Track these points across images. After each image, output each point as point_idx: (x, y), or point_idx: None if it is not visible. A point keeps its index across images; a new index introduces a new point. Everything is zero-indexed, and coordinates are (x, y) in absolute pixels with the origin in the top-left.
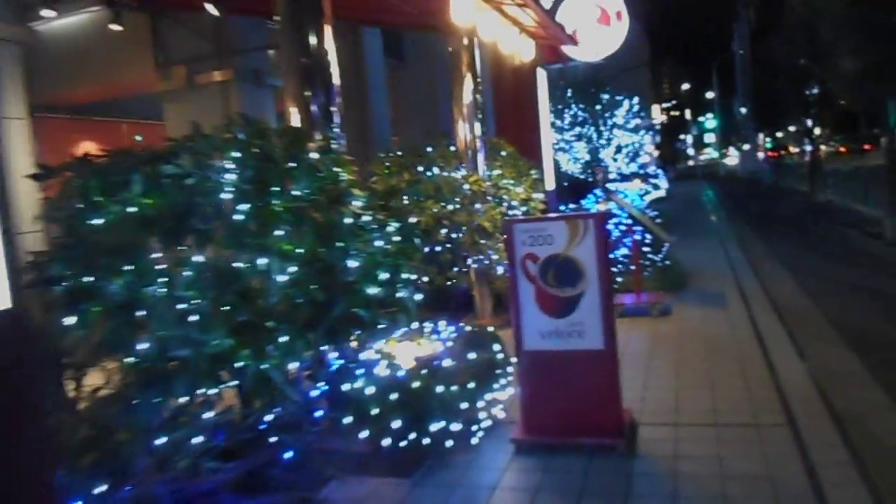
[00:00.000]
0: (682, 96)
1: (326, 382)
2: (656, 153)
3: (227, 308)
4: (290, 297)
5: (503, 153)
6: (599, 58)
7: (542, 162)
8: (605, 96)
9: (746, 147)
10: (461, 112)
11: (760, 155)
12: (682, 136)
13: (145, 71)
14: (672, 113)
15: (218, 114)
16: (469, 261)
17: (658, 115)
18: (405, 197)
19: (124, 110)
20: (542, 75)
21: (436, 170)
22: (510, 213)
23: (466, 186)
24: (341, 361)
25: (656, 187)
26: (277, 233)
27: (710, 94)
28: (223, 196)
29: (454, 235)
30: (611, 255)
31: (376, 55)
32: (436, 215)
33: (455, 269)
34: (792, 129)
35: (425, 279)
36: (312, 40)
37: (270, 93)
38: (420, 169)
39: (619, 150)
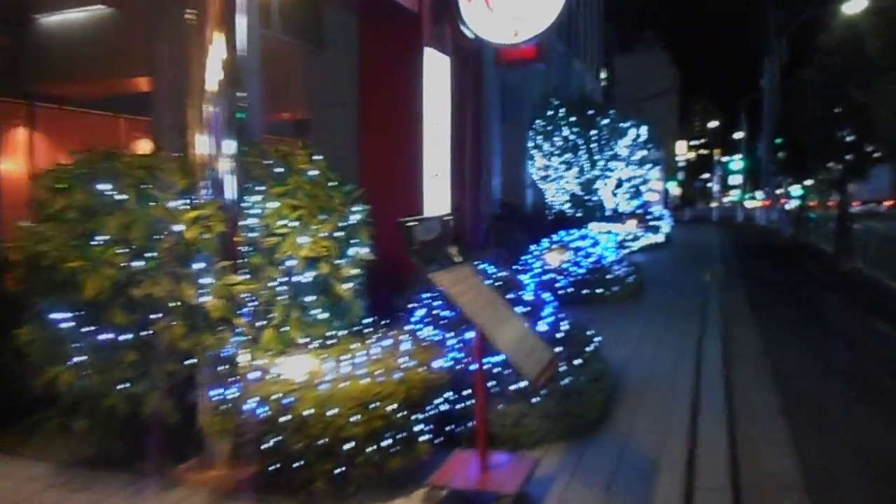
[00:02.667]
0: (710, 135)
1: None
2: (677, 191)
3: None
4: None
5: (305, 175)
6: (521, 39)
7: (419, 192)
8: (605, 121)
9: (761, 193)
10: (196, 104)
11: (787, 204)
12: (705, 176)
13: None
14: (701, 151)
15: None
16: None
17: (683, 152)
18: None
19: None
20: (437, 63)
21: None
22: (289, 279)
23: (180, 227)
24: None
25: (655, 231)
26: None
27: (738, 135)
28: None
29: (155, 317)
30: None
31: (251, 31)
32: (117, 277)
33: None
34: (821, 177)
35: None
36: None
37: None
38: (103, 189)
39: (619, 184)
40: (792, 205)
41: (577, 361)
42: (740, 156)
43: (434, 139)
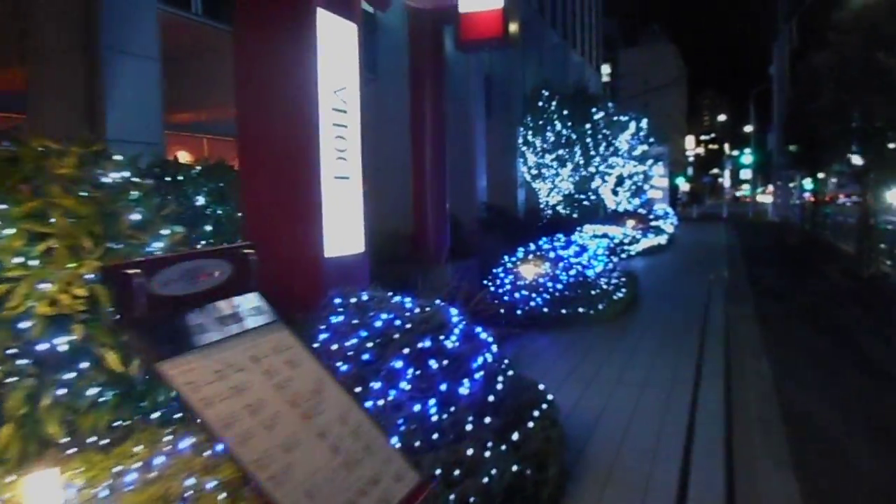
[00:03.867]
0: (719, 129)
1: None
2: (686, 187)
3: None
4: None
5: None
6: None
7: (313, 201)
8: (601, 114)
9: (772, 187)
10: None
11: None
12: (714, 171)
13: None
14: (710, 146)
15: None
16: None
17: (692, 147)
18: None
19: None
20: (338, 32)
21: None
22: (35, 347)
23: None
24: None
25: (656, 232)
26: None
27: (748, 128)
28: None
29: None
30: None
31: (140, 7)
32: None
33: None
34: (839, 168)
35: None
36: None
37: None
38: None
39: (620, 181)
40: (804, 199)
41: (514, 437)
42: (750, 150)
43: (337, 130)
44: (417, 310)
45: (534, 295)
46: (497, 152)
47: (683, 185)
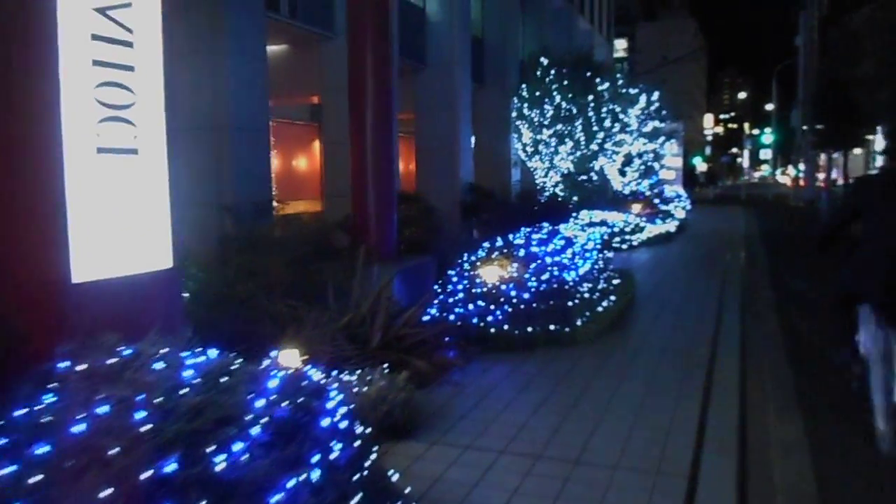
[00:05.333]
0: (739, 107)
1: None
2: (704, 167)
3: None
4: None
5: None
6: None
7: (52, 184)
8: (605, 84)
9: (802, 167)
10: None
11: (820, 177)
12: (733, 151)
13: None
14: (729, 125)
15: None
16: None
17: (711, 126)
18: None
19: None
20: None
21: None
22: None
23: None
24: None
25: (665, 217)
26: None
27: (769, 107)
28: None
29: None
30: None
31: None
32: None
33: None
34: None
35: None
36: None
37: None
38: None
39: (629, 161)
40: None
41: None
42: (771, 129)
43: (104, 73)
44: (199, 379)
45: (492, 307)
46: (488, 126)
47: (700, 164)
